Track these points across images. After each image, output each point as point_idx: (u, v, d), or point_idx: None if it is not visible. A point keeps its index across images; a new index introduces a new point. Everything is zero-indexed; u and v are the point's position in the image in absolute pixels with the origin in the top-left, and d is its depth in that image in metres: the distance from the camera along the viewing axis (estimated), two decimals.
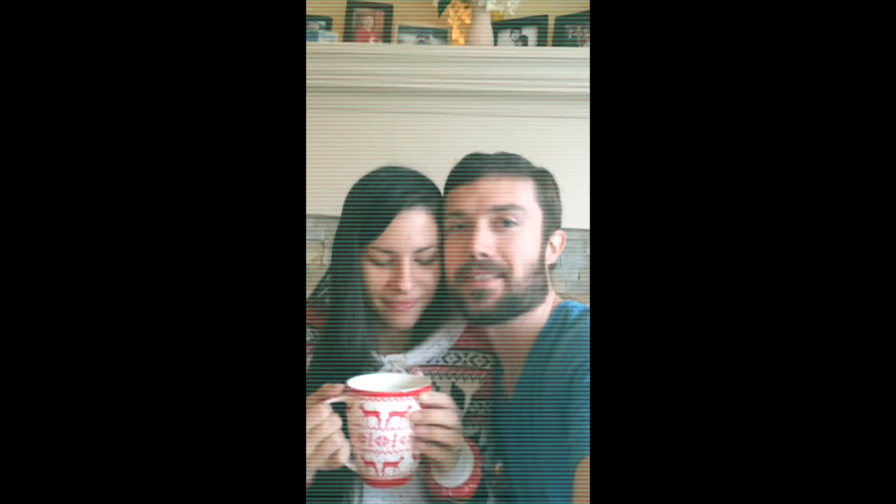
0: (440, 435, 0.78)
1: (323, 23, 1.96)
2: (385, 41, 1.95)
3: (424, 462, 0.83)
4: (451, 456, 0.81)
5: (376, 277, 0.91)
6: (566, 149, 1.56)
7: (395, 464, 0.78)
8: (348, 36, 1.95)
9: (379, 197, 0.90)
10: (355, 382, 0.80)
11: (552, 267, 0.97)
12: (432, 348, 0.97)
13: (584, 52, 1.75)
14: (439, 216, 0.93)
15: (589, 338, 0.78)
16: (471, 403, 0.98)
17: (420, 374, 0.92)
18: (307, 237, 1.89)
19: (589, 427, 0.68)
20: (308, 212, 1.54)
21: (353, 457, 0.79)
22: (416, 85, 1.82)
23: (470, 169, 0.92)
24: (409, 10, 1.96)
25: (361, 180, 0.95)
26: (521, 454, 0.92)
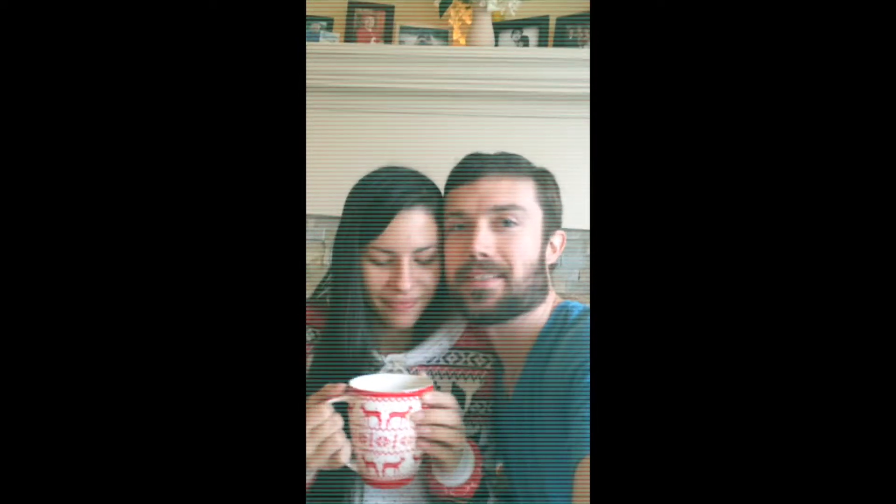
0: (443, 434, 0.78)
1: (324, 23, 1.97)
2: (386, 42, 1.95)
3: (425, 461, 0.83)
4: (454, 455, 0.81)
5: (376, 277, 0.91)
6: (566, 149, 1.56)
7: (395, 465, 0.78)
8: (349, 36, 1.96)
9: (379, 197, 0.90)
10: (357, 382, 0.80)
11: (552, 267, 0.97)
12: (433, 348, 0.97)
13: (584, 52, 1.75)
14: (439, 216, 0.93)
15: (589, 338, 0.78)
16: (471, 403, 0.98)
17: (424, 374, 0.92)
18: (308, 237, 1.89)
19: (589, 427, 0.68)
20: (309, 212, 1.54)
21: (354, 457, 0.79)
22: (417, 85, 1.82)
23: (470, 169, 0.92)
24: (411, 11, 1.96)
25: (362, 180, 0.95)
26: (522, 453, 0.92)
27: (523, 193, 0.90)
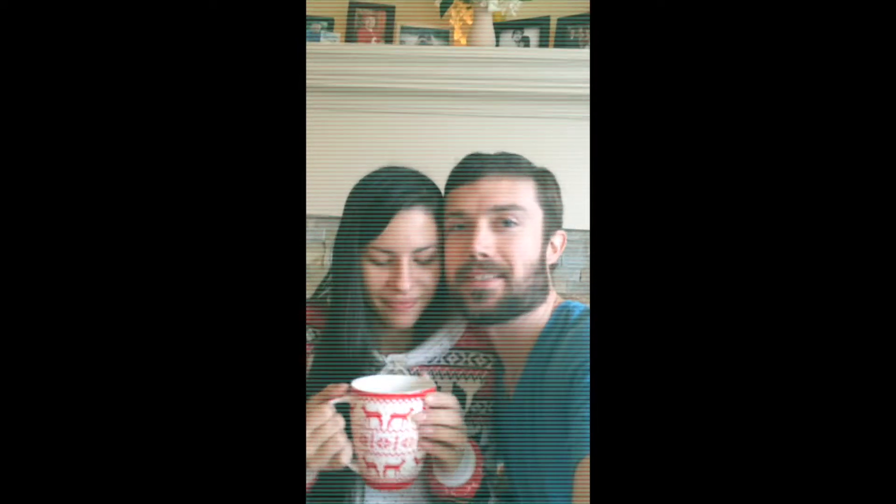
0: (444, 434, 0.78)
1: (325, 23, 1.97)
2: (387, 42, 1.95)
3: (427, 461, 0.83)
4: (455, 455, 0.81)
5: (376, 277, 0.91)
6: (567, 150, 1.56)
7: (396, 466, 0.78)
8: (350, 37, 1.96)
9: (378, 197, 0.90)
10: (359, 383, 0.80)
11: (553, 267, 0.97)
12: (434, 348, 0.97)
13: (584, 53, 1.75)
14: (439, 216, 0.93)
15: (589, 338, 0.78)
16: (472, 403, 0.98)
17: (427, 376, 0.92)
18: (308, 237, 1.89)
19: (589, 426, 0.68)
20: (310, 212, 1.54)
21: (355, 458, 0.79)
22: (418, 85, 1.82)
23: (471, 169, 0.92)
24: (411, 11, 1.96)
25: (362, 180, 0.95)
26: (522, 453, 0.92)
27: (523, 193, 0.90)
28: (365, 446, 0.77)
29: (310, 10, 1.91)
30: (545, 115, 1.81)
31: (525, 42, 1.91)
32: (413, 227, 0.89)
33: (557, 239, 0.96)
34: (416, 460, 0.79)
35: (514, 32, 1.91)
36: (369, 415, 0.76)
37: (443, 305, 0.96)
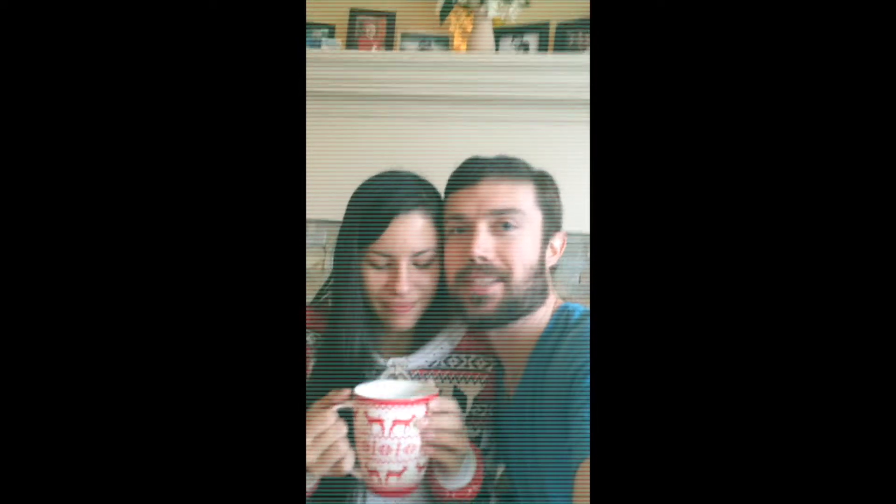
0: (446, 438, 0.78)
1: (326, 30, 1.98)
2: (388, 48, 1.96)
3: (428, 466, 0.83)
4: (456, 458, 0.81)
5: (375, 280, 0.91)
6: (567, 154, 1.56)
7: (398, 473, 0.77)
8: (351, 43, 1.96)
9: (377, 201, 0.90)
10: (362, 389, 0.79)
11: (553, 269, 0.97)
12: (434, 351, 0.98)
13: (584, 58, 1.75)
14: (438, 219, 0.93)
15: (589, 340, 0.78)
16: (473, 406, 0.98)
17: (431, 381, 0.92)
18: (309, 242, 1.89)
19: (589, 428, 0.68)
20: (310, 217, 1.55)
21: (357, 464, 0.78)
22: (419, 91, 1.83)
23: (470, 172, 0.92)
24: (412, 17, 1.97)
25: (363, 185, 0.96)
26: (523, 455, 0.92)
27: (523, 197, 0.91)
28: (367, 453, 0.76)
29: (311, 18, 1.92)
30: (545, 120, 1.81)
31: (524, 47, 1.92)
32: (411, 231, 0.90)
33: (557, 241, 0.96)
34: (419, 467, 0.79)
35: (513, 38, 1.92)
36: (371, 421, 0.75)
37: (443, 308, 0.96)
